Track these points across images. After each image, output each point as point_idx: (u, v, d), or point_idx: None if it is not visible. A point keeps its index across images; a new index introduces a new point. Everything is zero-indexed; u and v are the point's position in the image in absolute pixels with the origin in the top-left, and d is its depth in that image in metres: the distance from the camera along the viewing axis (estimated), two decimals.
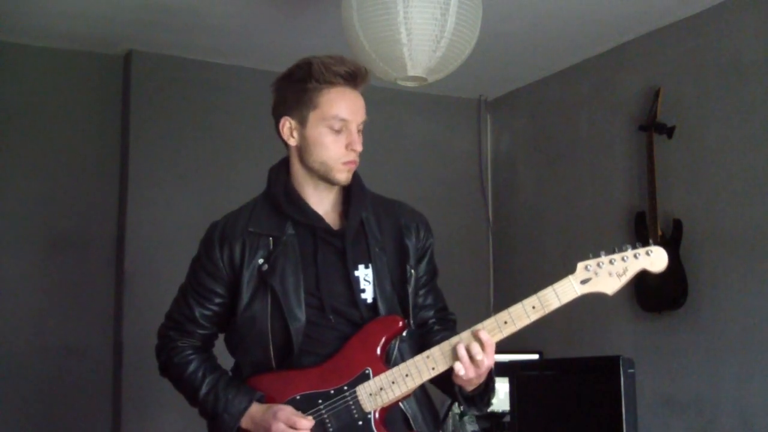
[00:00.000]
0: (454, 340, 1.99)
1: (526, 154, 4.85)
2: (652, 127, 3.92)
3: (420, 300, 2.20)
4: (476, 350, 1.95)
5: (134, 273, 4.10)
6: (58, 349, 4.02)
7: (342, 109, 2.08)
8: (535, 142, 4.79)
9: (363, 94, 2.16)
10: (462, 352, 1.95)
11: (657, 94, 3.94)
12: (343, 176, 2.11)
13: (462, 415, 4.15)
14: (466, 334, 1.98)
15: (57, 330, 4.03)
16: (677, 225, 3.80)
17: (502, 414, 4.05)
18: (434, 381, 2.11)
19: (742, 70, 3.68)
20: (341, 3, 3.20)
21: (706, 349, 3.72)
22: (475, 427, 4.14)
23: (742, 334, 3.59)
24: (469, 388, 2.04)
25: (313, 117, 2.09)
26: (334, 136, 2.08)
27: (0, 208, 4.02)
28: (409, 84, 3.29)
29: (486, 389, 2.06)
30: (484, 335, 1.95)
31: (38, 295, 4.04)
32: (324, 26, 3.86)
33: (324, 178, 2.11)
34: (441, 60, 3.14)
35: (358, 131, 2.12)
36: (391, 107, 4.70)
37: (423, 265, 2.20)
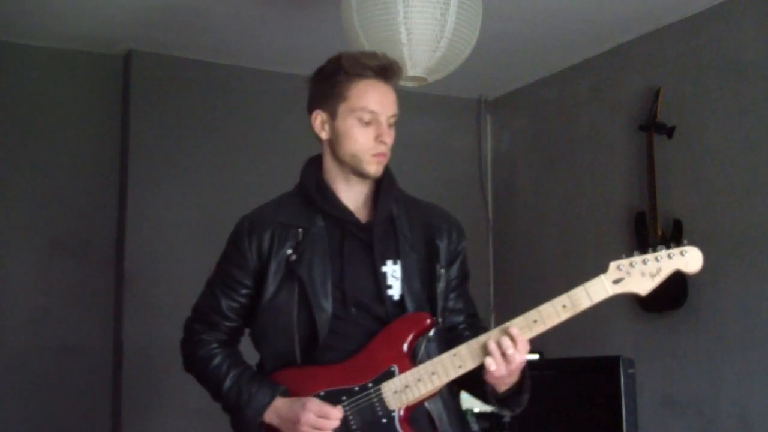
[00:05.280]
0: (482, 337, 1.96)
1: (526, 154, 4.85)
2: (652, 127, 3.92)
3: (450, 303, 2.17)
4: (507, 344, 1.93)
5: (134, 273, 4.10)
6: (58, 349, 4.02)
7: (371, 101, 2.09)
8: (534, 142, 4.79)
9: (396, 89, 2.15)
10: (492, 346, 1.93)
11: (657, 94, 3.94)
12: (373, 168, 2.11)
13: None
14: (496, 331, 1.96)
15: (57, 330, 4.03)
16: (677, 225, 3.79)
17: (502, 414, 4.05)
18: (466, 385, 2.09)
19: (742, 70, 3.68)
20: (341, 3, 3.20)
21: (706, 349, 3.72)
22: (476, 427, 4.14)
23: (742, 334, 3.59)
24: (502, 388, 2.01)
25: (342, 109, 2.09)
26: (363, 128, 2.09)
27: (0, 209, 4.02)
28: (409, 84, 3.29)
29: (519, 389, 2.04)
30: (514, 331, 1.94)
31: (38, 295, 4.03)
32: (324, 26, 3.86)
33: (355, 170, 2.11)
34: (441, 60, 3.14)
35: (389, 125, 2.13)
36: None
37: (455, 268, 2.17)
